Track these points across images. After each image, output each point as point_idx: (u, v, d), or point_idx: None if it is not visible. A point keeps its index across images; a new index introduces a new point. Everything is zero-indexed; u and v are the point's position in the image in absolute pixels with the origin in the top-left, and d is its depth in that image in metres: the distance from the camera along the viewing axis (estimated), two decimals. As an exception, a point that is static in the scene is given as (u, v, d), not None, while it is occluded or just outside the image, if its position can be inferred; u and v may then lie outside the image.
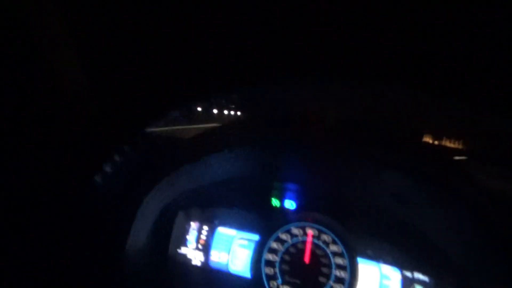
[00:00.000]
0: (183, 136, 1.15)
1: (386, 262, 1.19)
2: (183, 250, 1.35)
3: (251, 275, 1.23)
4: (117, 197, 1.04)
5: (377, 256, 1.19)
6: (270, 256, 1.22)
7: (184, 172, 1.18)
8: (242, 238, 1.31)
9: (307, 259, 1.20)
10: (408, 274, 1.16)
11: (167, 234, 1.33)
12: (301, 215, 1.24)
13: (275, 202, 1.26)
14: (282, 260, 1.21)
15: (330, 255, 1.19)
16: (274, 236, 1.23)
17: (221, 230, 1.34)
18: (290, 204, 1.26)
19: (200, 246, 1.34)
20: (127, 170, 1.01)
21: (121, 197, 1.07)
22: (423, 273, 1.15)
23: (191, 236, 1.36)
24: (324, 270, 1.18)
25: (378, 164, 1.06)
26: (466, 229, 1.03)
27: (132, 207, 1.10)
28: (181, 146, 1.16)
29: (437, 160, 1.03)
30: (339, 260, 1.18)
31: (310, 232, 1.22)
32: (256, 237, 1.27)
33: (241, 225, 1.32)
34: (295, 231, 1.23)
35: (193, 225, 1.38)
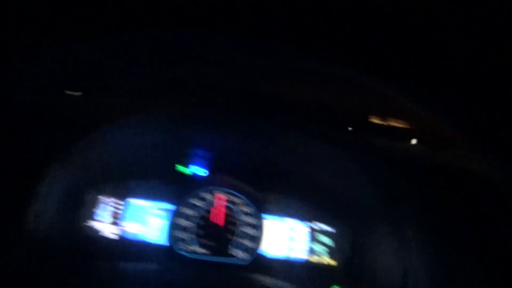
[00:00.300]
0: (81, 106, 1.09)
1: (294, 217, 1.27)
2: (95, 224, 1.32)
3: (167, 242, 1.24)
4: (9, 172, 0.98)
5: (286, 213, 1.27)
6: (184, 222, 1.24)
7: (87, 145, 1.13)
8: (156, 208, 1.31)
9: (220, 221, 1.24)
10: (314, 225, 1.25)
11: (77, 210, 1.28)
12: (212, 180, 1.27)
13: (185, 169, 1.26)
14: (197, 225, 1.24)
15: (241, 215, 1.24)
16: (186, 202, 1.25)
17: (134, 202, 1.33)
18: (201, 171, 1.27)
19: (114, 220, 1.32)
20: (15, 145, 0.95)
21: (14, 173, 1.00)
22: (327, 224, 1.25)
23: (104, 211, 1.33)
24: (236, 229, 1.23)
25: (286, 128, 1.10)
26: (361, 185, 1.13)
27: (27, 185, 1.03)
28: (79, 115, 1.10)
29: (339, 125, 1.09)
30: (250, 219, 1.24)
31: (221, 196, 1.25)
32: (169, 205, 1.28)
33: (154, 195, 1.31)
34: (207, 196, 1.25)
35: (106, 199, 1.34)
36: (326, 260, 1.24)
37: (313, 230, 1.25)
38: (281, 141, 1.18)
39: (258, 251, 1.21)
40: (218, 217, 1.24)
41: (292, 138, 1.10)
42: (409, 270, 1.03)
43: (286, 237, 1.25)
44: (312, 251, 1.25)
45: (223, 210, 1.24)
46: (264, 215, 1.25)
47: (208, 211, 1.24)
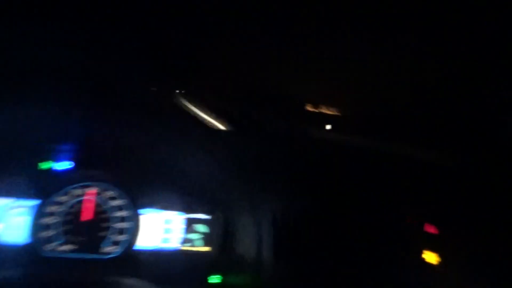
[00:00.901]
0: None
1: (169, 208, 1.28)
2: None
3: (29, 241, 1.17)
4: None
5: (161, 204, 1.27)
6: (48, 220, 1.17)
7: None
8: (18, 206, 1.21)
9: (88, 216, 1.20)
10: (189, 215, 1.28)
11: None
12: (80, 175, 1.22)
13: (48, 164, 1.19)
14: (63, 222, 1.18)
15: (112, 209, 1.21)
16: (51, 199, 1.18)
17: (-8, 201, 1.22)
18: (66, 165, 1.21)
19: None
20: None
21: None
22: (201, 212, 1.28)
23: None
24: (107, 224, 1.21)
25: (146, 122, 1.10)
26: (227, 175, 1.19)
27: None
28: None
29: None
30: (122, 213, 1.22)
31: (90, 190, 1.21)
32: (32, 202, 1.20)
33: (16, 192, 1.22)
34: (74, 191, 1.20)
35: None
36: (201, 247, 1.28)
37: (188, 219, 1.28)
38: (152, 134, 1.18)
39: (129, 245, 1.20)
40: (87, 212, 1.20)
41: (157, 129, 1.11)
42: (263, 247, 1.13)
43: (161, 229, 1.26)
44: (187, 240, 1.28)
45: (92, 204, 1.20)
46: (137, 208, 1.24)
47: (75, 207, 1.19)
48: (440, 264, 1.08)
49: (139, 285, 1.04)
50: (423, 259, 1.12)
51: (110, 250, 1.19)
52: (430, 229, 1.14)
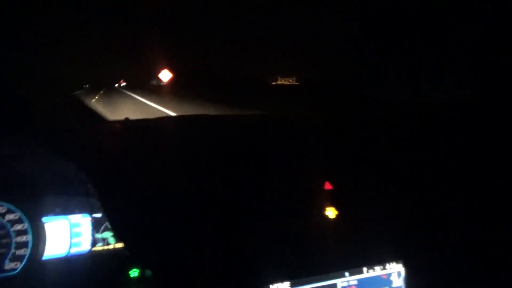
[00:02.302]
0: None
1: (73, 212, 1.24)
2: None
3: None
4: None
5: (62, 209, 1.23)
6: None
7: None
8: None
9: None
10: (95, 215, 1.25)
11: None
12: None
13: None
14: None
15: (7, 224, 1.15)
16: None
17: None
18: None
19: None
20: None
21: None
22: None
23: None
24: (7, 240, 1.15)
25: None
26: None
27: None
28: None
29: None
30: (19, 227, 1.16)
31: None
32: None
33: None
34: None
35: None
36: (115, 244, 1.26)
37: (95, 219, 1.25)
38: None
39: (33, 256, 1.16)
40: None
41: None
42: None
43: (68, 234, 1.22)
44: (99, 240, 1.25)
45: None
46: (38, 217, 1.19)
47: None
48: (337, 216, 1.14)
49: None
50: (325, 214, 1.17)
51: (13, 266, 1.14)
52: (329, 186, 1.19)
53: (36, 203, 1.19)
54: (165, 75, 10.28)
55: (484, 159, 1.28)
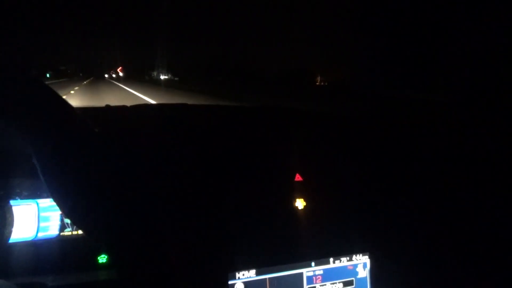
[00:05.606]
0: None
1: (41, 196, 1.22)
2: None
3: None
4: None
5: (29, 193, 1.21)
6: None
7: None
8: None
9: None
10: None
11: None
12: None
13: None
14: None
15: (-27, 206, 1.13)
16: None
17: None
18: None
19: None
20: None
21: None
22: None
23: None
24: (-29, 223, 1.13)
25: None
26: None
27: None
28: None
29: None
30: (-15, 209, 1.14)
31: None
32: None
33: None
34: None
35: None
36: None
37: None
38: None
39: (-1, 240, 1.14)
40: None
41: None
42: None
43: (36, 218, 1.21)
44: (68, 225, 1.24)
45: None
46: (6, 199, 1.17)
47: None
48: (306, 208, 1.15)
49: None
50: (294, 205, 1.18)
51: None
52: (299, 178, 1.20)
53: (3, 185, 1.17)
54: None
55: (448, 149, 1.31)
